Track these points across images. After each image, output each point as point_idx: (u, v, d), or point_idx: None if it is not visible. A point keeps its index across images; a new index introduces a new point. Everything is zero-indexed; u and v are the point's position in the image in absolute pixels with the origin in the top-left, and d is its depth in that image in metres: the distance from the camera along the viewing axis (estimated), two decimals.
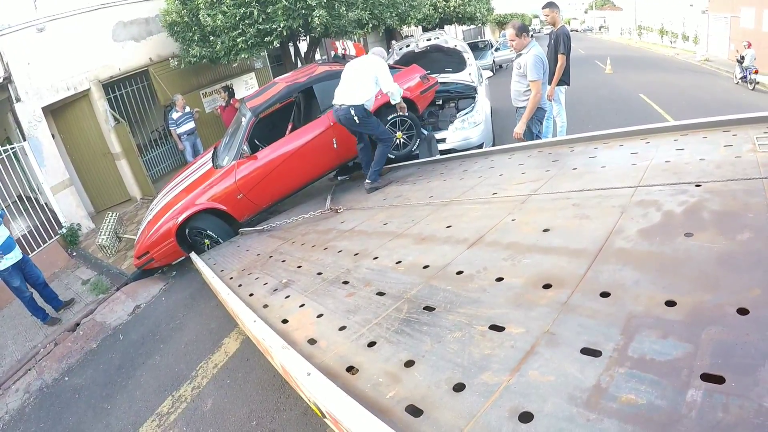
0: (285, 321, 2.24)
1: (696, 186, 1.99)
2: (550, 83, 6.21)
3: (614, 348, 1.22)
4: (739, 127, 2.64)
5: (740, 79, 14.36)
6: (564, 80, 6.17)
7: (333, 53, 8.53)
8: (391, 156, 5.55)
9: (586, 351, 1.24)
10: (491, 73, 9.94)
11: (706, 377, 1.03)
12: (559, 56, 5.93)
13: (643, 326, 1.27)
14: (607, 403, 1.05)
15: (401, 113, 5.13)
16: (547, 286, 1.63)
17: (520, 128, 4.58)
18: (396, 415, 1.27)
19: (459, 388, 1.28)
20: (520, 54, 4.61)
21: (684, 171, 2.22)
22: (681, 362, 1.10)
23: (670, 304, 1.32)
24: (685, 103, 10.60)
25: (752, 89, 13.63)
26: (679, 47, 27.19)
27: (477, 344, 1.44)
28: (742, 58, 14.47)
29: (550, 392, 1.14)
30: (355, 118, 4.64)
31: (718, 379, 1.02)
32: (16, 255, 5.00)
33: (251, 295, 2.86)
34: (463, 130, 6.07)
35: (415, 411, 1.26)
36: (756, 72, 13.77)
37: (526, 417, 1.10)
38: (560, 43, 5.92)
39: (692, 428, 0.93)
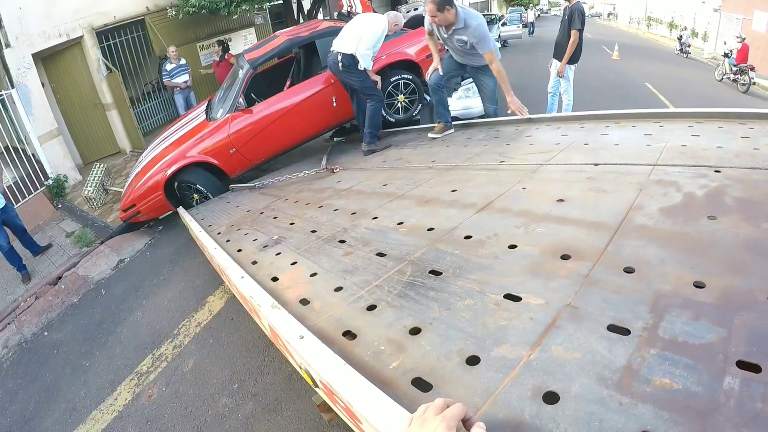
0: (275, 279, 2.09)
1: (716, 171, 1.89)
2: (560, 60, 6.04)
3: (643, 327, 1.11)
4: (757, 121, 2.55)
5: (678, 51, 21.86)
6: (575, 58, 6.00)
7: (338, 11, 8.15)
8: (392, 120, 5.37)
9: (612, 328, 1.13)
10: (499, 45, 9.71)
11: (742, 365, 0.93)
12: (573, 32, 5.75)
13: (673, 306, 1.16)
14: (640, 386, 0.93)
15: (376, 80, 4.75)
16: (565, 257, 1.50)
17: (513, 100, 3.93)
18: (401, 389, 1.13)
19: (473, 361, 1.14)
20: (455, 30, 3.93)
21: (702, 156, 2.12)
22: (715, 347, 1.00)
23: (699, 285, 1.21)
24: (691, 97, 10.48)
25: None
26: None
27: (491, 314, 1.30)
28: (686, 44, 21.97)
29: (576, 371, 1.01)
30: (340, 64, 4.51)
31: (755, 368, 0.92)
32: None
33: (239, 250, 2.70)
34: (466, 99, 5.90)
35: (423, 385, 1.12)
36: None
37: (551, 397, 0.97)
38: (575, 19, 5.73)
39: (731, 418, 0.82)
